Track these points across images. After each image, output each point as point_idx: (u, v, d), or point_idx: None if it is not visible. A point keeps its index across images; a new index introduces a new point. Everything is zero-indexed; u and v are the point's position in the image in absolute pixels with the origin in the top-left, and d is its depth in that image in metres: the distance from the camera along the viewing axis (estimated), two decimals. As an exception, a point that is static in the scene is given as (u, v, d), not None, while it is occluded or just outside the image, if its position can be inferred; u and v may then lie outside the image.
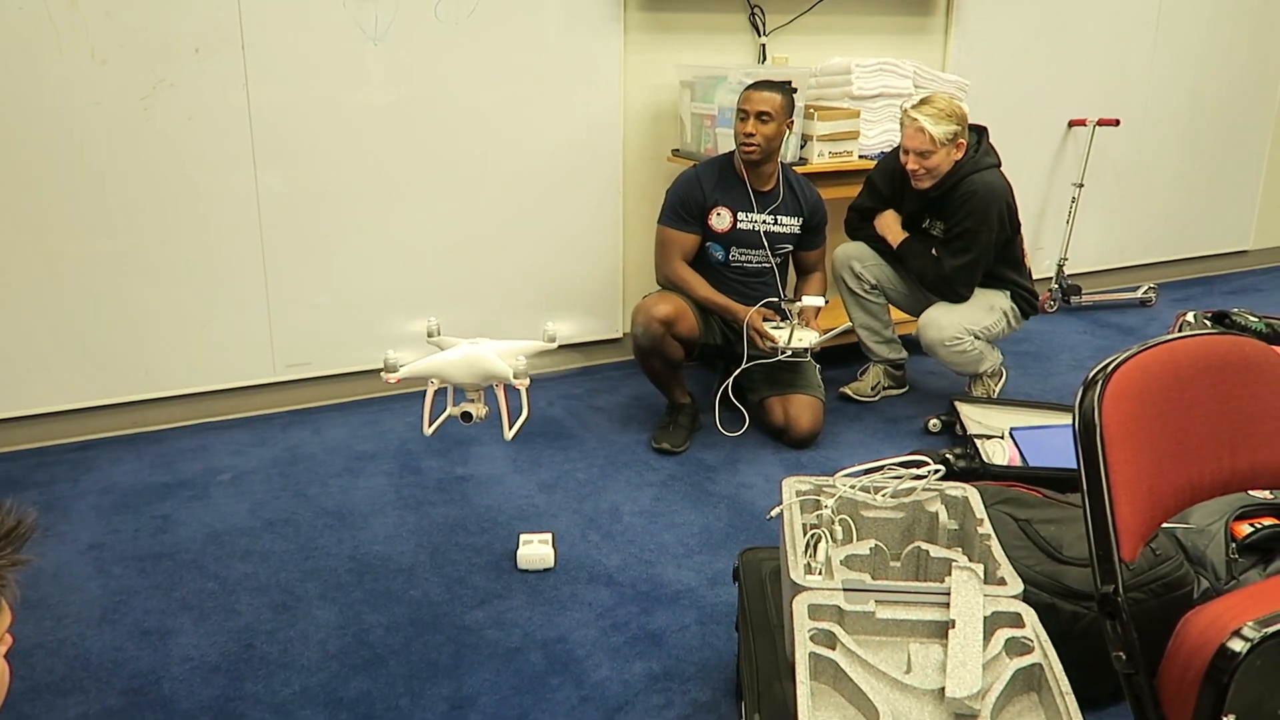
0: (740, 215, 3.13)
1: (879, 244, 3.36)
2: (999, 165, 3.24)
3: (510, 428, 2.29)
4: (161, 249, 3.06)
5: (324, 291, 3.32)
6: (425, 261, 3.45)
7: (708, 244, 3.16)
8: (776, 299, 3.10)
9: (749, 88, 3.06)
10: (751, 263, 3.18)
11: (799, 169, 3.43)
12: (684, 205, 3.13)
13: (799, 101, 3.34)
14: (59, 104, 2.84)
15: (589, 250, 3.71)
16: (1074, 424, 1.37)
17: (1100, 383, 1.35)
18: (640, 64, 3.61)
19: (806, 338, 2.99)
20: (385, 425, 3.27)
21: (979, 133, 3.22)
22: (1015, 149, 4.07)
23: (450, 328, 3.51)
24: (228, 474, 2.91)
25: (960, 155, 3.14)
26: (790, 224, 3.19)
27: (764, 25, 3.78)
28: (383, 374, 2.20)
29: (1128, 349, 1.40)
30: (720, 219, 3.13)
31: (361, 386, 3.47)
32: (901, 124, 3.15)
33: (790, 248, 3.24)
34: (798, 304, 3.05)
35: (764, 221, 3.15)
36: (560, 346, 3.68)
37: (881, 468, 1.87)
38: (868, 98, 3.67)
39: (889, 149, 3.62)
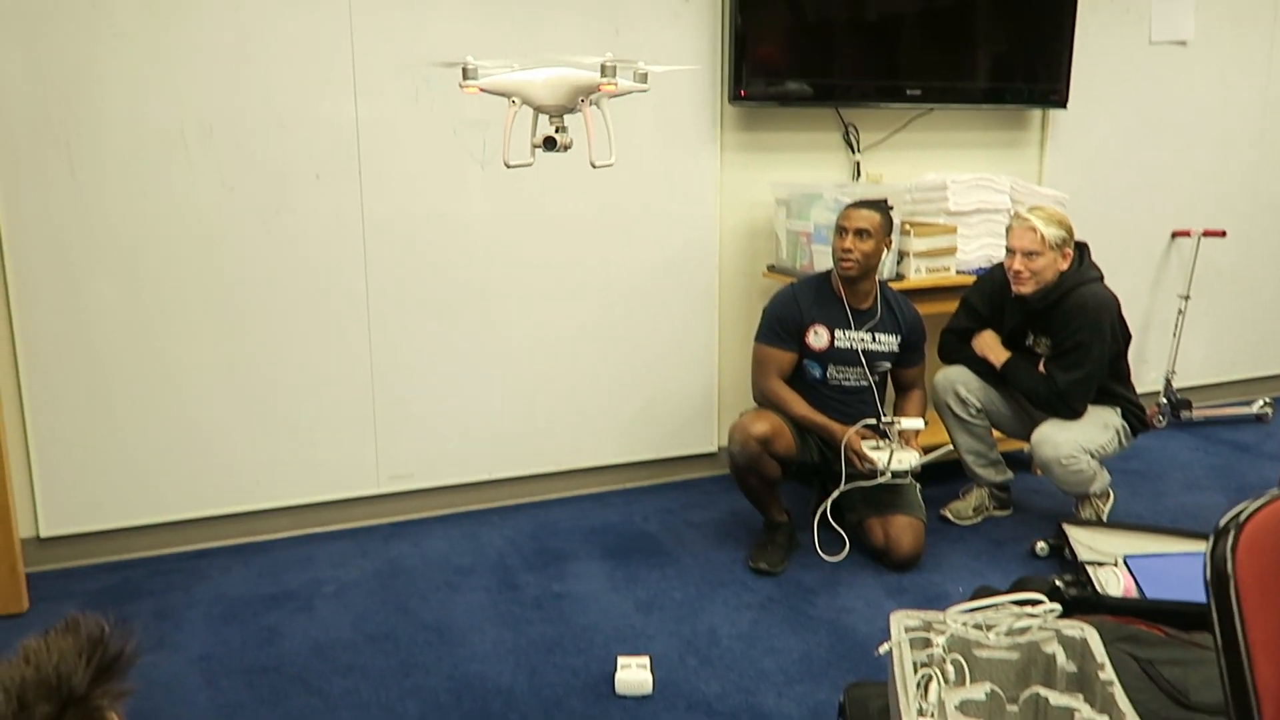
0: (838, 333, 3.13)
1: (978, 366, 3.31)
2: (1102, 279, 3.20)
3: (597, 150, 2.05)
4: (276, 362, 3.20)
5: (426, 402, 3.40)
6: (524, 373, 3.52)
7: (805, 361, 3.16)
8: (875, 420, 3.06)
9: (848, 206, 3.10)
10: (849, 381, 3.17)
11: (896, 285, 3.43)
12: (781, 323, 3.15)
13: (895, 218, 3.36)
14: (188, 226, 3.03)
15: (685, 364, 3.75)
16: (1205, 574, 1.31)
17: (1233, 532, 1.30)
18: (736, 181, 3.69)
19: (906, 459, 2.95)
20: (483, 539, 3.30)
21: (1081, 249, 3.19)
22: (1116, 261, 4.00)
23: (549, 441, 3.59)
24: (331, 586, 2.96)
25: (1066, 266, 3.12)
26: (888, 341, 3.18)
27: (858, 143, 3.83)
28: (460, 83, 2.04)
29: (1261, 496, 1.35)
30: (818, 337, 3.13)
31: (460, 499, 3.52)
32: (1009, 227, 3.16)
33: (888, 365, 3.22)
34: (897, 425, 3.01)
35: (862, 339, 3.14)
36: (655, 460, 3.74)
37: (995, 603, 1.82)
38: (964, 214, 3.67)
39: (987, 264, 3.62)
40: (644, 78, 2.11)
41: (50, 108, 2.84)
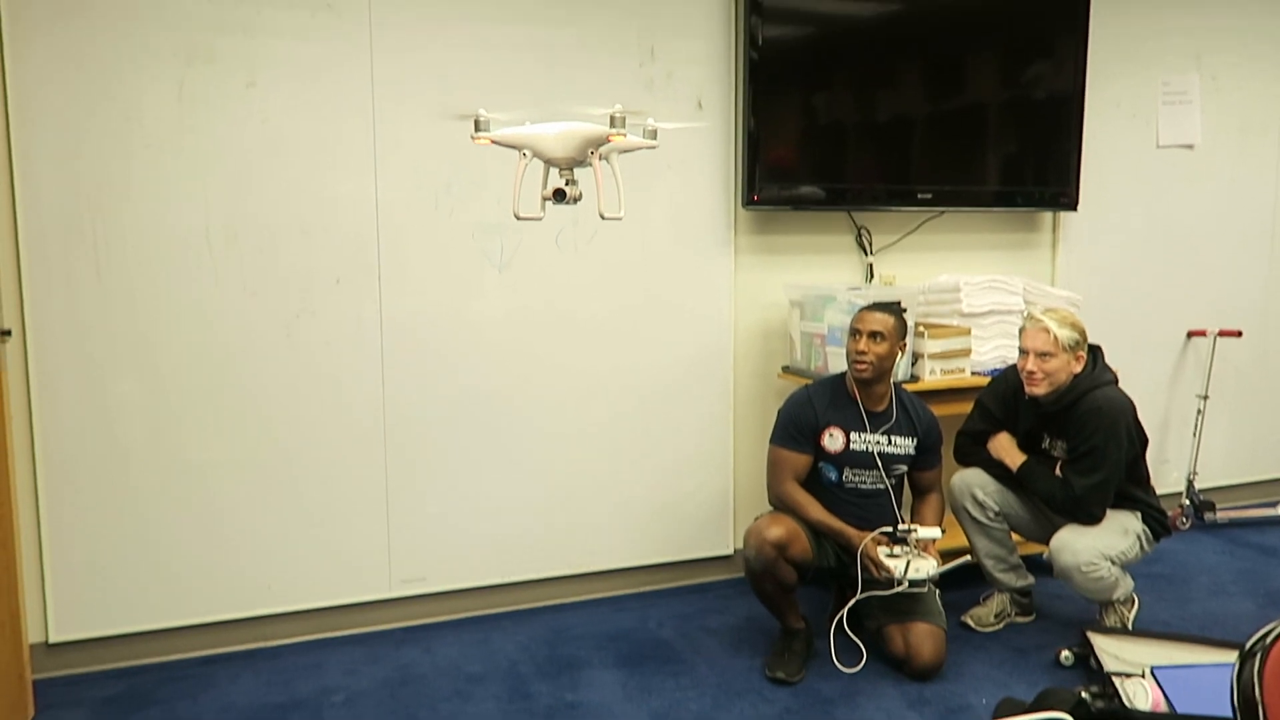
0: (853, 436, 3.12)
1: (995, 468, 3.29)
2: (1116, 382, 3.19)
3: (606, 202, 2.05)
4: (290, 464, 3.20)
5: (440, 504, 3.39)
6: (538, 475, 3.51)
7: (820, 465, 3.14)
8: (892, 528, 3.02)
9: (862, 309, 3.12)
10: (865, 484, 3.14)
11: (911, 386, 3.43)
12: (796, 425, 3.14)
13: (909, 320, 3.38)
14: (210, 328, 3.07)
15: (700, 465, 3.73)
16: (1232, 699, 1.28)
17: (1259, 655, 1.27)
18: (750, 283, 3.73)
19: (924, 568, 2.90)
20: (496, 644, 3.25)
21: (1094, 352, 3.19)
22: (1132, 361, 4.01)
23: (563, 544, 3.56)
24: (340, 695, 2.91)
25: (1079, 368, 3.11)
26: (904, 444, 3.16)
27: (871, 245, 3.88)
28: (472, 135, 2.05)
29: (1288, 619, 1.32)
30: (833, 440, 3.12)
31: (473, 602, 3.48)
32: (1022, 329, 3.17)
33: (905, 468, 3.19)
34: (914, 533, 2.97)
35: (878, 442, 3.13)
36: (671, 563, 3.70)
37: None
38: (978, 315, 3.69)
39: (1001, 365, 3.62)
40: (653, 134, 2.14)
41: (81, 213, 2.91)
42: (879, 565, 2.92)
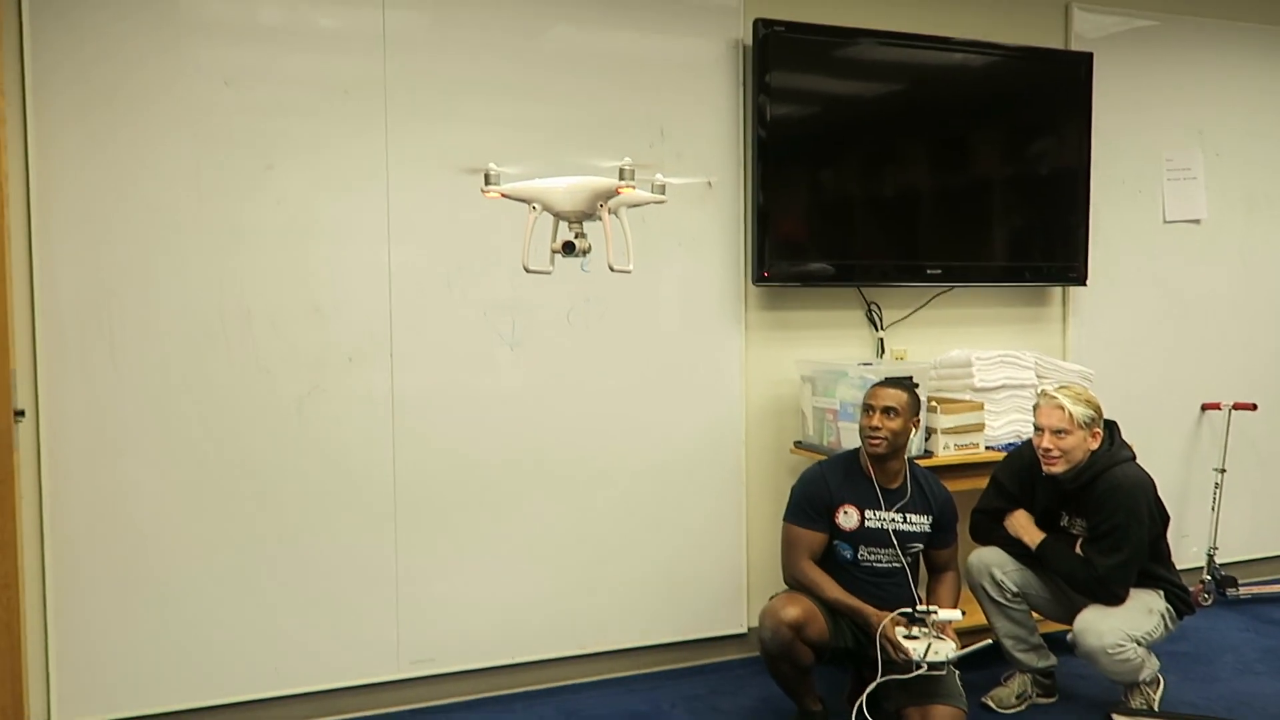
0: (868, 513, 3.09)
1: (1013, 547, 3.24)
2: (1135, 458, 3.16)
3: (615, 254, 2.04)
4: (300, 542, 3.17)
5: (450, 583, 3.35)
6: (549, 553, 3.47)
7: (835, 543, 3.10)
8: (910, 609, 2.96)
9: (875, 384, 3.11)
10: (881, 562, 3.10)
11: (925, 462, 3.40)
12: (810, 502, 3.11)
13: (921, 395, 3.37)
14: (223, 408, 3.07)
15: (712, 542, 3.69)
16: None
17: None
18: (761, 359, 3.73)
19: (943, 650, 2.84)
20: (505, 727, 3.19)
21: (1111, 427, 3.17)
22: (1146, 435, 3.97)
23: (574, 623, 3.51)
24: (347, 781, 2.84)
25: (1096, 445, 3.09)
26: (920, 522, 3.12)
27: (881, 320, 3.89)
28: (482, 188, 2.04)
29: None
30: (847, 517, 3.09)
31: (483, 684, 3.42)
32: (1036, 406, 3.15)
33: (920, 546, 3.15)
34: (934, 615, 2.91)
35: (893, 520, 3.09)
36: (683, 642, 3.63)
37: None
38: (990, 390, 3.67)
39: (1016, 440, 3.59)
40: (662, 189, 2.16)
41: (97, 296, 2.94)
42: (897, 647, 2.87)
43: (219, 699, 3.11)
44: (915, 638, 2.87)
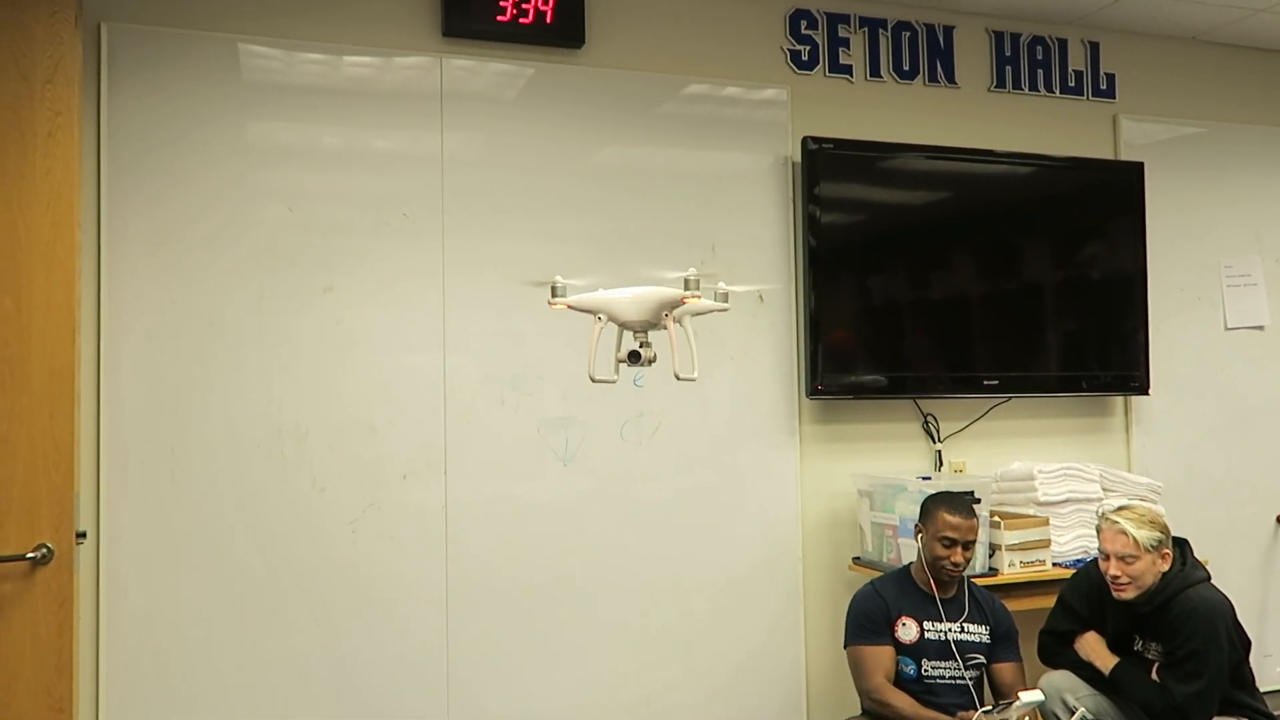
0: (926, 625, 3.01)
1: (1084, 670, 3.10)
2: (1209, 578, 3.03)
3: (681, 363, 2.03)
4: (352, 661, 3.14)
5: (502, 700, 3.28)
6: (602, 671, 3.39)
7: (898, 659, 3.01)
8: (991, 706, 2.81)
9: (952, 512, 3.02)
10: (945, 678, 2.99)
11: (989, 580, 3.32)
12: (869, 618, 3.04)
13: (983, 511, 3.29)
14: (278, 525, 3.09)
15: (770, 660, 3.58)
16: None
17: None
18: (816, 473, 3.67)
19: None
20: None
21: (1182, 546, 3.05)
22: (1219, 548, 3.84)
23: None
24: None
25: (1167, 567, 2.96)
26: (978, 632, 3.05)
27: (939, 432, 3.82)
28: (549, 300, 2.08)
29: None
30: (906, 629, 3.01)
31: (533, 811, 3.32)
32: (1099, 529, 3.04)
33: (981, 659, 3.05)
34: (1016, 700, 2.75)
35: (953, 630, 3.01)
36: None
37: None
38: (1054, 504, 3.58)
39: (1084, 556, 3.48)
40: (725, 297, 2.18)
41: (160, 416, 2.99)
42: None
43: (267, 825, 3.05)
44: None
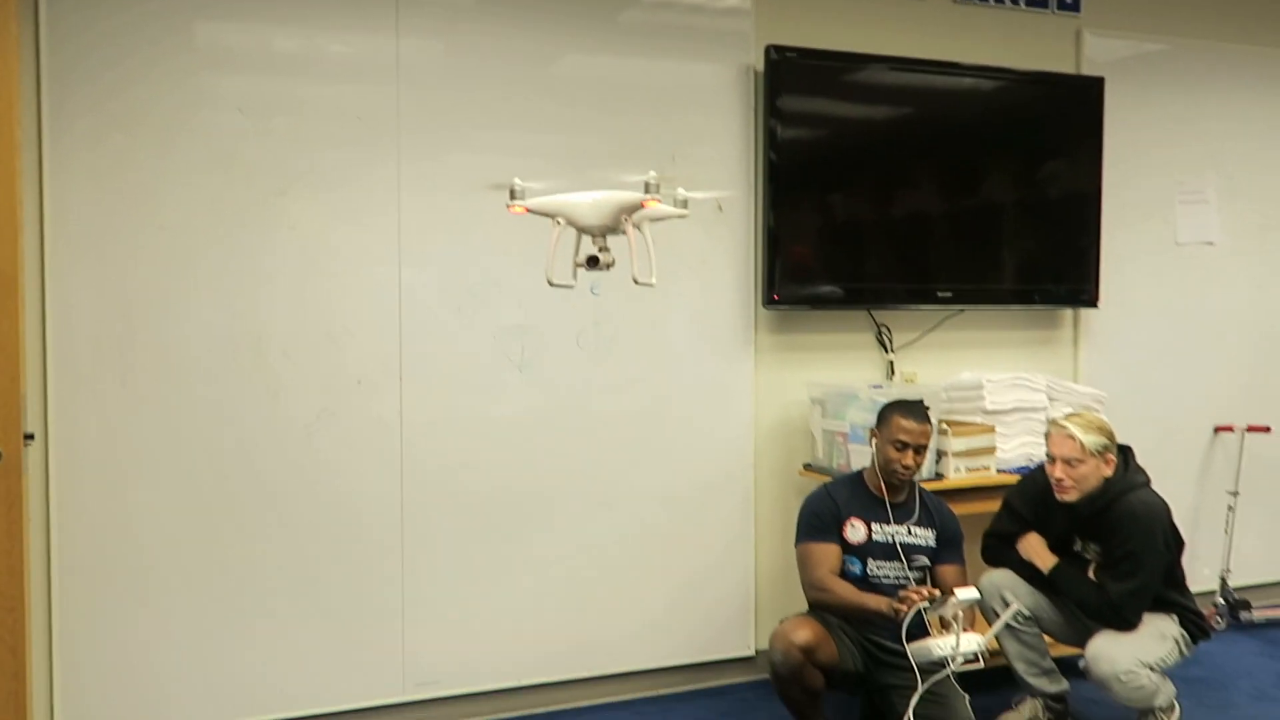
0: (875, 527, 3.10)
1: (1025, 570, 3.21)
2: (1149, 483, 3.14)
3: (639, 268, 2.04)
4: (307, 565, 3.17)
5: (457, 606, 3.34)
6: (556, 576, 3.46)
7: (845, 558, 3.10)
8: (928, 600, 2.90)
9: (907, 416, 3.08)
10: (889, 578, 3.09)
11: (935, 485, 3.40)
12: (819, 518, 3.12)
13: (931, 417, 3.36)
14: (232, 432, 3.08)
15: (721, 564, 3.67)
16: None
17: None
18: (771, 382, 3.72)
19: (973, 640, 2.80)
20: (513, 752, 3.16)
21: (1125, 452, 3.15)
22: (1158, 457, 3.92)
23: (581, 646, 3.49)
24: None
25: (1110, 472, 3.06)
26: (925, 535, 3.14)
27: (891, 342, 3.88)
28: (507, 203, 2.08)
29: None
30: (855, 530, 3.09)
31: (488, 706, 3.40)
32: (1048, 434, 3.13)
33: (926, 561, 3.14)
34: (952, 597, 2.85)
35: (900, 533, 3.09)
36: (690, 665, 3.61)
37: None
38: (1002, 412, 3.66)
39: (1027, 463, 3.58)
40: (684, 203, 2.17)
41: (110, 320, 2.95)
42: (918, 595, 2.81)
43: (226, 721, 3.11)
44: (942, 634, 2.82)
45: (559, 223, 2.11)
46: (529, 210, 2.13)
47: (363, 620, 3.24)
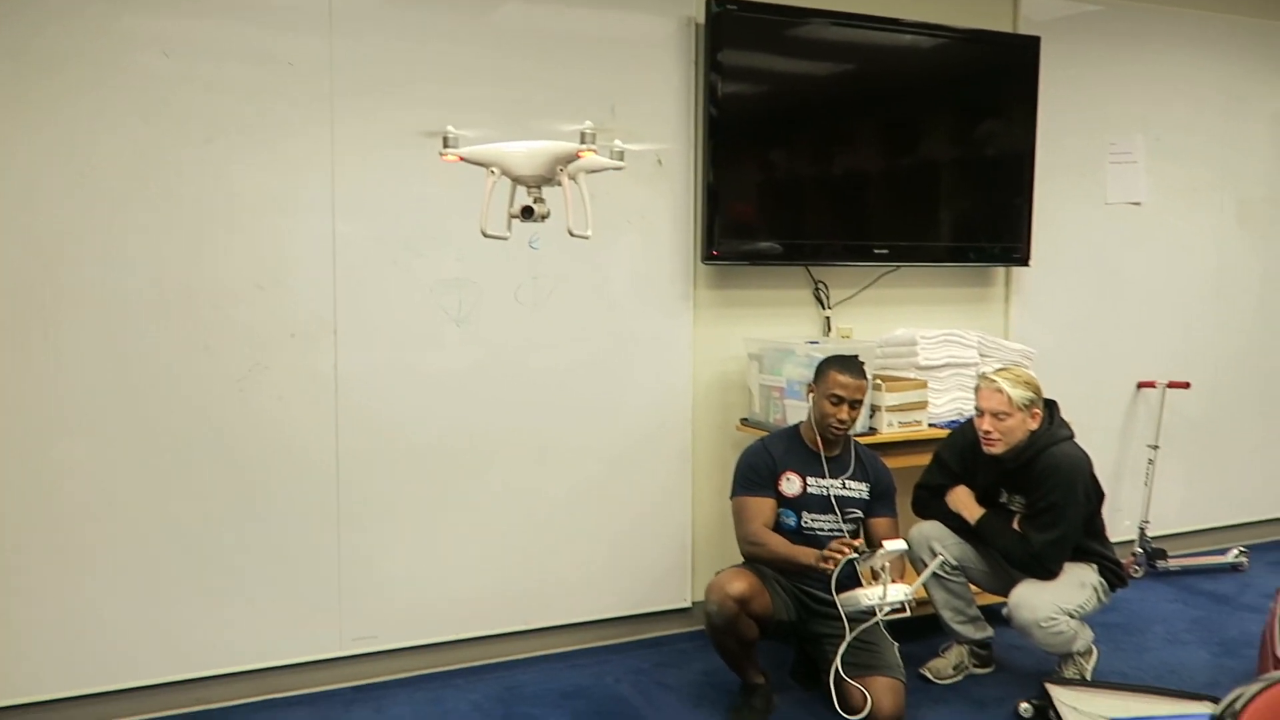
0: (810, 480, 3.15)
1: (953, 521, 3.31)
2: (1073, 437, 3.23)
3: (575, 220, 2.04)
4: (242, 521, 3.13)
5: (393, 561, 3.33)
6: (492, 530, 3.47)
7: (780, 510, 3.15)
8: (857, 553, 2.96)
9: (843, 371, 3.11)
10: (824, 530, 3.15)
11: (869, 438, 3.46)
12: (755, 471, 3.16)
13: (866, 373, 3.41)
14: (161, 386, 3.01)
15: (658, 518, 3.71)
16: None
17: (1223, 723, 1.27)
18: (709, 337, 3.74)
19: (900, 589, 2.88)
20: (449, 703, 3.18)
21: (1050, 407, 3.23)
22: (1084, 412, 4.05)
23: (518, 599, 3.51)
24: (289, 759, 2.83)
25: (1035, 425, 3.15)
26: (859, 488, 3.19)
27: (828, 299, 3.92)
28: (440, 151, 2.04)
29: (1254, 683, 1.33)
30: (790, 483, 3.14)
31: (426, 660, 3.41)
32: (977, 388, 3.20)
33: (859, 513, 3.21)
34: (881, 549, 2.93)
35: (834, 486, 3.15)
36: (627, 617, 3.65)
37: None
38: (934, 368, 3.73)
39: (958, 418, 3.65)
40: (621, 155, 2.15)
41: (32, 271, 2.86)
42: (843, 549, 2.87)
43: (159, 678, 3.07)
44: (871, 584, 2.90)
45: (493, 173, 2.08)
46: (462, 159, 2.09)
47: (300, 576, 3.22)
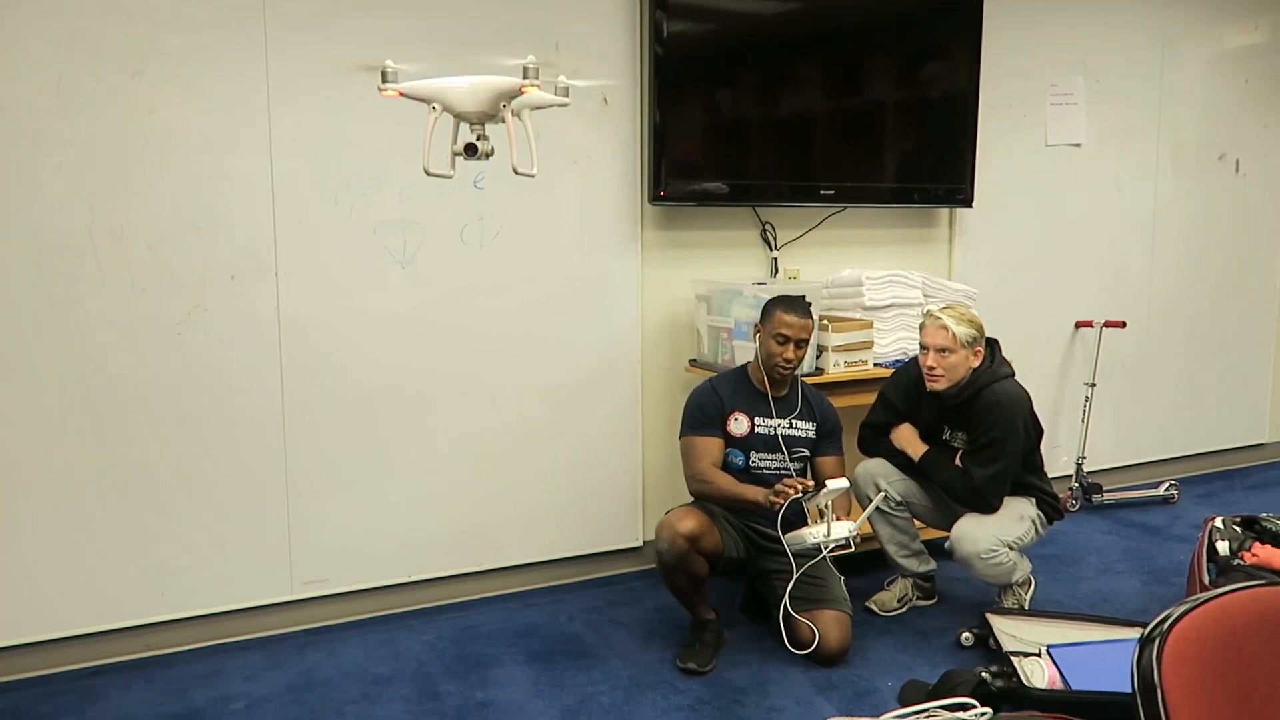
0: (757, 420, 3.17)
1: (897, 458, 3.37)
2: (1013, 375, 3.30)
3: (519, 157, 2.01)
4: (187, 467, 3.08)
5: (343, 504, 3.31)
6: (443, 472, 3.46)
7: (727, 450, 3.18)
8: (801, 492, 3.02)
9: (788, 311, 3.12)
10: (770, 469, 3.19)
11: (815, 379, 3.49)
12: (703, 411, 3.18)
13: (813, 313, 3.43)
14: (94, 331, 2.93)
15: (608, 458, 3.73)
16: (1133, 683, 1.33)
17: (1157, 640, 1.32)
18: (657, 278, 3.73)
19: (844, 526, 2.95)
20: (402, 645, 3.19)
21: (992, 345, 3.29)
22: (1024, 350, 4.16)
23: (470, 540, 3.52)
24: (240, 702, 2.82)
25: (977, 363, 3.20)
26: (806, 428, 3.23)
27: (775, 240, 3.92)
28: (379, 86, 2.01)
29: (1181, 604, 1.38)
30: (738, 424, 3.16)
31: (378, 603, 3.41)
32: (922, 325, 3.25)
33: (806, 453, 3.25)
34: (824, 488, 2.98)
35: (781, 426, 3.18)
36: (579, 556, 3.68)
37: (927, 710, 1.82)
38: (879, 308, 3.77)
39: (902, 357, 3.70)
40: (565, 91, 2.11)
41: (-50, 209, 2.75)
42: (792, 488, 2.92)
43: (104, 625, 3.03)
44: (816, 523, 2.96)
45: (435, 109, 2.03)
46: (402, 94, 2.04)
47: (247, 520, 3.18)
